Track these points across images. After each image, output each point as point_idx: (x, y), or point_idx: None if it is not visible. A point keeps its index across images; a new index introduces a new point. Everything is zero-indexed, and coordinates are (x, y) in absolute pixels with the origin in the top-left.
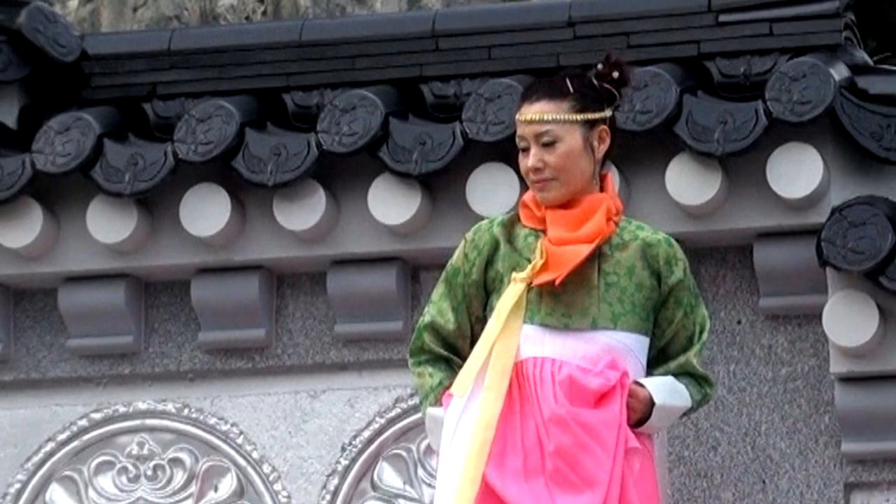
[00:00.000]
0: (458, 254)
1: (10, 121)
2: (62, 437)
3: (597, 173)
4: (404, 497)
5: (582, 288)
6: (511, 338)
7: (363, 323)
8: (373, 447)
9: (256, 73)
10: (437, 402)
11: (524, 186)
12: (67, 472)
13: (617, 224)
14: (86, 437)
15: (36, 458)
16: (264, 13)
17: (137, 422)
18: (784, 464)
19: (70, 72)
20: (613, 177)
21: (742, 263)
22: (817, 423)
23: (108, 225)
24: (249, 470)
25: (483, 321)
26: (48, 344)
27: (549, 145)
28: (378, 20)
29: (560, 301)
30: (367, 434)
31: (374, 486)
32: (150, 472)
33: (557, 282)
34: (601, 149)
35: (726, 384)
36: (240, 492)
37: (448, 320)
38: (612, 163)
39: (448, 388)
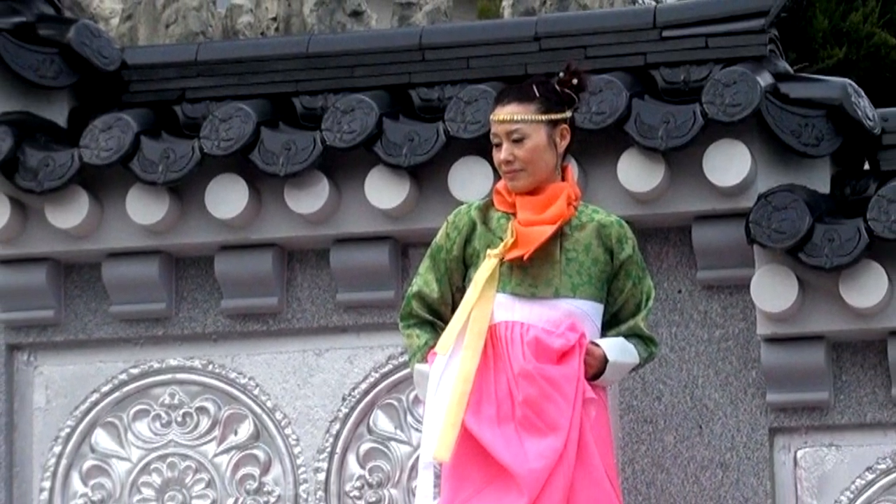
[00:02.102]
0: (441, 233)
1: (61, 121)
2: (105, 388)
3: (559, 165)
4: (396, 440)
5: (546, 262)
6: (486, 305)
7: (361, 292)
8: (369, 397)
9: (270, 80)
10: (424, 360)
11: (497, 176)
12: (110, 419)
13: (576, 208)
14: (125, 388)
15: (83, 407)
16: (277, 29)
17: (169, 376)
18: (718, 412)
19: (112, 79)
20: (573, 168)
21: (682, 241)
22: (746, 377)
23: (144, 209)
24: (264, 417)
25: (462, 291)
26: (93, 310)
27: (518, 141)
28: (373, 35)
29: (528, 273)
30: (364, 386)
31: (370, 431)
32: (179, 419)
33: (525, 257)
34: (562, 144)
35: (669, 344)
36: (256, 435)
37: (433, 290)
38: (571, 156)
39: (433, 347)
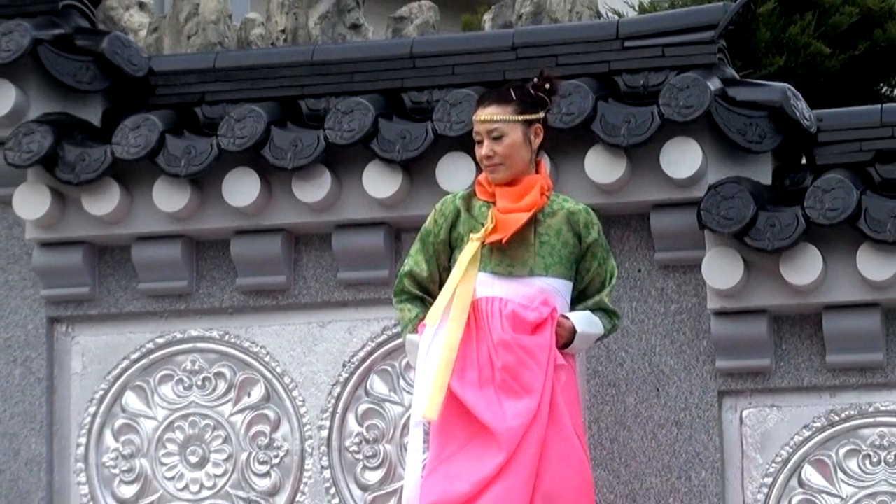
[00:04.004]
0: (429, 219)
1: (96, 120)
2: (134, 356)
3: (533, 160)
4: (390, 401)
5: (522, 245)
6: (469, 282)
7: (359, 271)
8: (366, 364)
9: (279, 85)
10: (414, 331)
11: (479, 169)
12: (138, 383)
13: (548, 197)
14: (152, 356)
15: (115, 372)
16: (285, 40)
17: (190, 345)
18: (673, 376)
19: (140, 84)
20: (546, 162)
21: (642, 227)
22: (698, 346)
23: (168, 198)
24: (274, 381)
25: (448, 270)
26: (124, 287)
27: (497, 139)
28: (370, 45)
29: (506, 255)
30: (361, 354)
31: (367, 393)
32: (200, 383)
33: (504, 240)
34: (536, 141)
35: (630, 317)
36: (267, 397)
37: (422, 269)
38: (544, 152)
39: (422, 320)
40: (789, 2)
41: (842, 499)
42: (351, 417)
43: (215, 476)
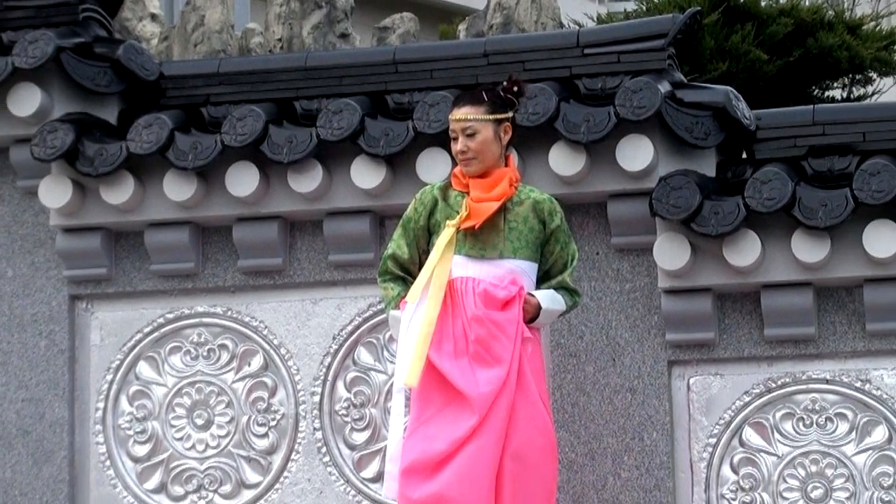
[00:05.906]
0: (410, 208)
1: (112, 119)
2: (147, 329)
3: (503, 154)
4: (375, 370)
5: (493, 231)
6: (446, 264)
7: (347, 254)
8: (354, 336)
9: (276, 88)
10: (397, 307)
11: (454, 163)
12: (150, 354)
13: (516, 188)
14: (163, 329)
15: (129, 344)
16: (281, 48)
17: (197, 320)
18: (627, 348)
19: (152, 87)
20: (514, 157)
21: (600, 214)
22: (650, 321)
23: (177, 189)
24: (271, 352)
25: (427, 253)
26: (138, 268)
27: (471, 136)
28: (357, 52)
29: (478, 239)
30: (350, 328)
31: (354, 363)
32: (205, 354)
33: (477, 226)
34: (506, 138)
35: (589, 294)
36: (265, 367)
37: (404, 252)
38: (513, 147)
39: (404, 297)
40: (731, 13)
41: (778, 457)
42: (340, 384)
43: (219, 437)
